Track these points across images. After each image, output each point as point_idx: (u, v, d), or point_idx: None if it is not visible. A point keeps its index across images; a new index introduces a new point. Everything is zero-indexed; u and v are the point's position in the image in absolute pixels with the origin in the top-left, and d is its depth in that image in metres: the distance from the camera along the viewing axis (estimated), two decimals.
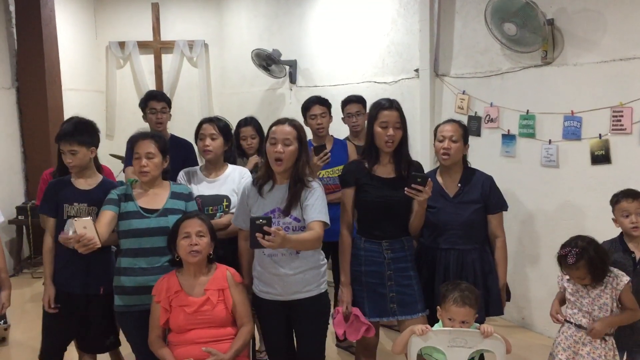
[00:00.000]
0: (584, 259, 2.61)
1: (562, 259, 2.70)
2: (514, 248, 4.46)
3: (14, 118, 6.02)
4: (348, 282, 2.93)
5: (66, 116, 6.07)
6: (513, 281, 4.32)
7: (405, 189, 2.77)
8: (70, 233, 2.66)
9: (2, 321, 4.23)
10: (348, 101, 4.46)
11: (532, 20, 3.97)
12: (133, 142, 2.92)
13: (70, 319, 3.03)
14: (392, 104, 2.93)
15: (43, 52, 5.90)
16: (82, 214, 2.94)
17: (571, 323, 2.77)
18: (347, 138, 4.42)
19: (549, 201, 4.27)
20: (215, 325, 2.70)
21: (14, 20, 5.91)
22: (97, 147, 3.12)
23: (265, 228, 2.38)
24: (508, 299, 3.19)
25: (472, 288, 2.59)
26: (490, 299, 3.03)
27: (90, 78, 7.60)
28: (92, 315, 3.04)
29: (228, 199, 3.17)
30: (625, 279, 2.69)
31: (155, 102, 4.07)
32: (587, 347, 2.70)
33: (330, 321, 2.94)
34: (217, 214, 3.14)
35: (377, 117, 2.90)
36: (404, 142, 2.95)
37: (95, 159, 3.23)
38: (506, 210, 3.15)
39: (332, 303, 3.14)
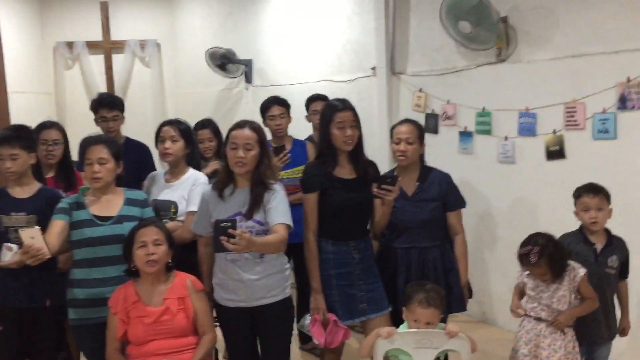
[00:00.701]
0: (545, 256, 2.66)
1: (523, 258, 2.73)
2: (472, 243, 4.45)
3: None
4: (320, 289, 2.89)
5: (13, 120, 5.90)
6: (472, 276, 4.33)
7: (375, 189, 2.78)
8: (8, 258, 2.58)
9: None
10: (314, 99, 4.45)
11: (486, 18, 4.01)
12: (84, 147, 2.81)
13: (15, 336, 2.89)
14: (345, 104, 2.92)
15: None
16: (20, 223, 2.81)
17: (531, 317, 2.81)
18: (310, 136, 4.38)
19: (506, 197, 4.33)
20: (176, 335, 2.62)
21: None
22: (36, 153, 3.02)
23: (230, 231, 2.34)
24: (470, 296, 3.22)
25: (437, 288, 2.59)
26: (452, 296, 3.05)
27: (37, 80, 7.33)
28: (39, 331, 2.91)
29: (176, 205, 3.08)
30: (582, 271, 2.75)
31: (105, 110, 3.87)
32: (547, 340, 2.75)
33: (308, 329, 2.90)
34: (163, 220, 3.04)
35: (332, 118, 2.87)
36: (360, 141, 2.94)
37: (70, 164, 3.24)
38: (464, 207, 3.18)
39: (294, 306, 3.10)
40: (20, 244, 2.50)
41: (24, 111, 6.42)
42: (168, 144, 3.14)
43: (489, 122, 4.33)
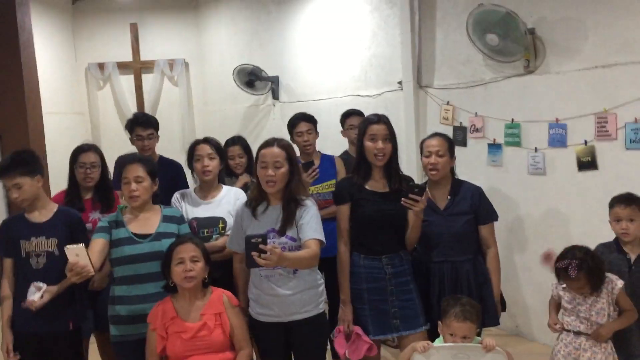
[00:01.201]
0: (584, 269, 2.64)
1: (561, 272, 2.71)
2: (504, 256, 4.44)
3: None
4: (348, 300, 2.91)
5: (48, 140, 6.06)
6: (505, 289, 4.30)
7: (402, 199, 2.78)
8: (36, 296, 2.68)
9: None
10: (349, 114, 4.50)
11: (513, 30, 4.01)
12: (121, 166, 2.88)
13: None
14: (380, 119, 2.96)
15: (22, 77, 5.79)
16: (40, 247, 2.87)
17: (569, 331, 2.78)
18: (346, 151, 4.42)
19: (537, 208, 4.30)
20: (214, 351, 2.66)
21: None
22: (42, 175, 2.99)
23: (261, 246, 2.36)
24: (503, 309, 3.20)
25: (473, 303, 2.59)
26: (485, 310, 3.02)
27: (70, 101, 7.51)
28: (61, 357, 2.95)
29: (224, 220, 3.14)
30: (620, 282, 2.72)
31: (141, 129, 3.96)
32: (587, 353, 2.73)
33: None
34: (213, 236, 3.10)
35: (365, 131, 2.92)
36: (394, 156, 2.96)
37: (108, 184, 3.27)
38: (496, 220, 3.17)
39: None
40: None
41: (58, 131, 6.60)
42: (207, 161, 3.20)
43: (518, 133, 4.32)
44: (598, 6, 3.77)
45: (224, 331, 2.68)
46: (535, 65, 4.16)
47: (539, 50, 4.12)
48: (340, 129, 4.58)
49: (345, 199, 2.94)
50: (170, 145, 7.42)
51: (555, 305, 2.90)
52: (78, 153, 3.41)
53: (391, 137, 2.93)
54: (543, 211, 4.25)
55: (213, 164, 3.21)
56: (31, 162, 2.95)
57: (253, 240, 2.37)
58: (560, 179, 4.09)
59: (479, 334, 2.97)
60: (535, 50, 4.13)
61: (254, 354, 3.08)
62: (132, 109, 7.53)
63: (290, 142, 2.89)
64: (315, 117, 4.24)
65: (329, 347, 3.23)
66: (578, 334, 2.74)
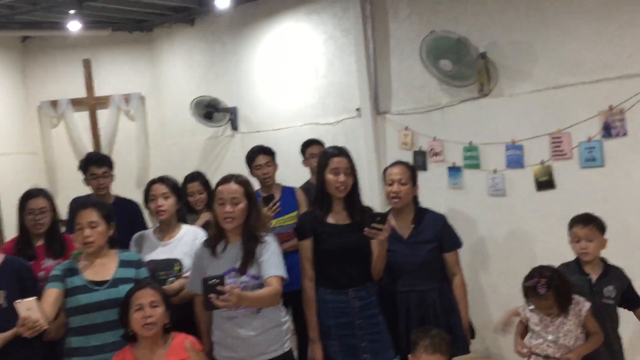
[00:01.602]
0: (553, 287, 2.64)
1: (530, 290, 2.71)
2: (469, 277, 4.42)
3: None
4: (317, 338, 2.86)
5: (0, 182, 5.87)
6: (472, 311, 4.31)
7: (365, 229, 2.75)
8: None
9: None
10: (309, 143, 4.50)
11: (465, 55, 4.08)
12: (74, 211, 2.78)
13: None
14: (341, 151, 2.95)
15: None
16: None
17: (538, 355, 2.77)
18: (308, 181, 4.39)
19: (499, 229, 4.33)
20: None
21: None
22: None
23: (219, 288, 2.30)
24: (472, 336, 3.19)
25: (442, 334, 2.56)
26: (454, 339, 3.00)
27: (23, 140, 7.29)
28: None
29: (180, 262, 3.05)
30: (587, 304, 2.73)
31: (95, 167, 3.86)
32: None
33: None
34: (169, 279, 3.01)
35: (327, 164, 2.90)
36: (355, 188, 2.94)
37: (58, 230, 3.19)
38: (461, 247, 3.18)
39: (295, 353, 3.05)
40: None
41: (11, 173, 6.39)
42: (161, 201, 3.12)
43: (476, 156, 4.36)
44: (546, 30, 3.87)
45: None
46: (489, 89, 4.23)
47: (492, 73, 4.19)
48: (301, 158, 4.55)
49: (307, 233, 2.91)
50: (128, 180, 7.28)
51: (522, 329, 2.90)
52: (26, 199, 3.29)
53: (352, 169, 2.92)
54: (505, 231, 4.28)
55: (168, 203, 3.13)
56: None
57: (210, 282, 2.31)
58: (520, 199, 4.14)
59: None
60: (488, 74, 4.20)
61: None
62: (88, 146, 7.35)
63: (247, 177, 2.83)
64: (276, 147, 4.22)
65: None
66: (547, 357, 2.73)
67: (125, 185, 4.07)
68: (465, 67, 4.14)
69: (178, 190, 3.26)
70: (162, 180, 3.21)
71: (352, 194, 2.93)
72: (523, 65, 4.01)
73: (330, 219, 2.93)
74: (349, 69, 5.31)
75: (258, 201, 3.42)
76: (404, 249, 3.04)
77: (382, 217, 2.76)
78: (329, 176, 2.88)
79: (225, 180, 2.73)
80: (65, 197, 3.50)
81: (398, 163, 3.15)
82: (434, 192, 4.58)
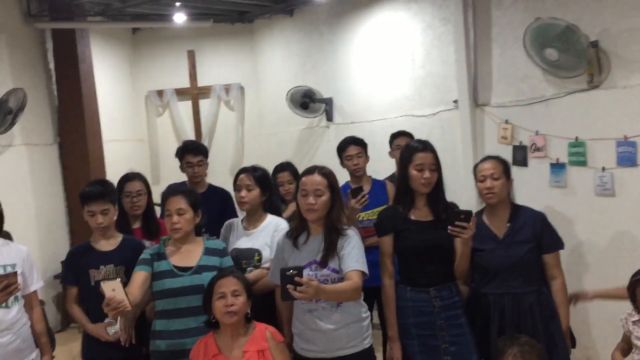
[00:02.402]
0: None
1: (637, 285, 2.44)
2: (571, 284, 4.17)
3: (57, 173, 6.09)
4: (396, 337, 2.77)
5: (108, 168, 6.21)
6: (573, 319, 4.04)
7: (449, 227, 2.63)
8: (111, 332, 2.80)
9: None
10: (398, 135, 4.40)
11: (574, 43, 3.79)
12: (164, 198, 2.85)
13: None
14: (426, 146, 2.83)
15: (83, 107, 5.99)
16: (110, 276, 2.87)
17: None
18: (393, 174, 4.29)
19: (606, 232, 4.01)
20: None
21: (54, 78, 6.03)
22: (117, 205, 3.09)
23: (297, 279, 2.27)
24: (573, 346, 2.95)
25: (532, 342, 2.39)
26: (553, 346, 2.80)
27: (130, 128, 7.70)
28: None
29: (259, 253, 3.06)
30: None
31: (191, 156, 3.96)
32: None
33: None
34: (248, 269, 3.02)
35: (411, 159, 2.79)
36: (439, 184, 2.82)
37: (153, 213, 3.36)
38: (562, 248, 2.95)
39: (381, 349, 2.96)
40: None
41: (119, 159, 6.76)
42: (244, 192, 3.14)
43: (583, 152, 4.05)
44: None
45: None
46: (599, 80, 3.90)
47: (604, 63, 3.87)
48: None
49: (387, 230, 2.82)
50: (226, 169, 7.48)
51: (624, 345, 2.63)
52: (123, 182, 3.45)
53: (437, 165, 2.79)
54: (611, 235, 3.95)
55: (250, 196, 3.14)
56: (114, 191, 3.11)
57: (288, 273, 2.29)
58: (631, 200, 3.80)
59: None
60: (599, 64, 3.87)
61: None
62: (190, 134, 7.64)
63: (332, 170, 2.77)
64: (370, 139, 4.14)
65: None
66: None
67: (220, 173, 4.13)
68: (574, 57, 3.85)
69: (265, 181, 3.25)
70: (249, 171, 3.22)
71: (436, 190, 2.81)
72: (639, 55, 3.66)
73: (412, 216, 2.82)
74: (447, 59, 5.12)
75: (346, 193, 3.38)
76: (499, 249, 2.86)
77: (467, 215, 2.63)
78: (413, 172, 2.77)
79: (309, 171, 2.70)
80: (168, 182, 3.62)
81: (489, 158, 2.98)
82: (534, 190, 4.33)
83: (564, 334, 2.83)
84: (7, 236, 3.37)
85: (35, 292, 2.98)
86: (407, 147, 2.91)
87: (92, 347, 2.94)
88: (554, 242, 2.91)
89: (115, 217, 3.04)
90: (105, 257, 2.96)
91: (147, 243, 3.30)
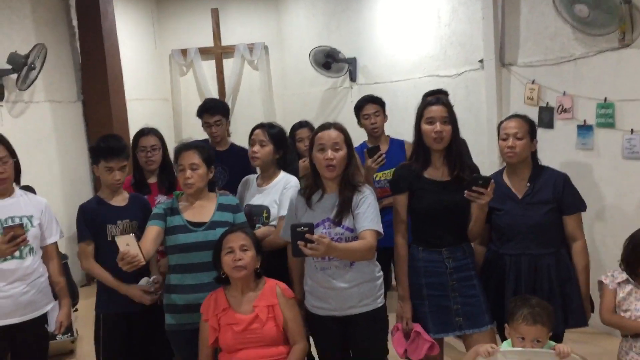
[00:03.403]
0: None
1: None
2: (595, 249, 4.10)
3: (81, 130, 6.16)
4: (407, 296, 2.73)
5: (132, 126, 6.23)
6: (594, 285, 3.97)
7: (465, 191, 2.55)
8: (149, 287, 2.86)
9: (69, 334, 4.25)
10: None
11: None
12: (176, 153, 2.83)
13: (131, 341, 2.97)
14: (438, 100, 2.74)
15: (105, 64, 5.98)
16: (127, 230, 2.88)
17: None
18: None
19: (633, 196, 3.89)
20: (266, 344, 2.56)
21: (77, 35, 6.03)
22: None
23: (308, 235, 2.24)
24: (592, 310, 2.88)
25: (544, 304, 2.33)
26: (569, 309, 2.74)
27: (154, 87, 7.71)
28: (154, 332, 2.96)
29: (268, 210, 3.03)
30: None
31: (208, 115, 3.88)
32: None
33: (390, 338, 2.75)
34: (257, 225, 3.00)
35: (423, 114, 2.72)
36: (455, 140, 2.72)
37: (170, 167, 3.37)
38: (584, 210, 2.86)
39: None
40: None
41: (142, 117, 6.76)
42: (256, 147, 3.10)
43: (612, 114, 3.91)
44: None
45: (277, 324, 2.57)
46: (631, 38, 3.73)
47: (636, 20, 3.69)
48: None
49: (402, 188, 2.75)
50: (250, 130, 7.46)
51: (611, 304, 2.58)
52: (138, 137, 3.44)
53: (451, 119, 2.69)
54: (638, 200, 3.83)
55: (263, 151, 3.09)
56: (128, 146, 3.11)
57: (299, 229, 2.26)
58: None
59: (561, 335, 2.71)
60: (632, 21, 3.70)
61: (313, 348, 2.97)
62: (213, 94, 7.62)
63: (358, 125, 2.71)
64: (393, 99, 4.08)
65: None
66: None
67: (245, 133, 4.03)
68: (605, 13, 3.68)
69: (280, 139, 3.20)
70: (264, 126, 3.18)
71: (452, 148, 2.72)
72: None
73: (428, 175, 2.74)
74: (473, 17, 4.96)
75: (362, 153, 3.32)
76: (517, 209, 2.79)
77: (485, 181, 2.54)
78: (425, 126, 2.69)
79: (324, 127, 2.64)
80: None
81: (514, 116, 2.88)
82: (560, 152, 4.22)
83: (581, 297, 2.77)
84: (30, 190, 3.42)
85: (54, 244, 2.99)
86: (421, 103, 2.83)
87: (109, 300, 2.95)
88: (576, 203, 2.82)
89: (128, 174, 3.06)
90: (121, 212, 2.97)
91: (162, 198, 3.30)
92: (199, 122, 4.07)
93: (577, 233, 2.82)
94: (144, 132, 3.44)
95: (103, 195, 3.03)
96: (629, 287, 2.54)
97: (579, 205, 2.84)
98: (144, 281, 2.88)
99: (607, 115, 3.95)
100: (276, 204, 3.00)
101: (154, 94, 7.66)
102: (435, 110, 2.68)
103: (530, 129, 2.83)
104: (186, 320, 2.75)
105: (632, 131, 3.79)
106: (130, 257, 2.43)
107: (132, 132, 5.87)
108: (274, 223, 2.99)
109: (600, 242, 4.11)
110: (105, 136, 3.09)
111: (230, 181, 3.68)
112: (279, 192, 3.03)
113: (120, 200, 3.02)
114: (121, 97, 6.29)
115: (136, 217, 2.97)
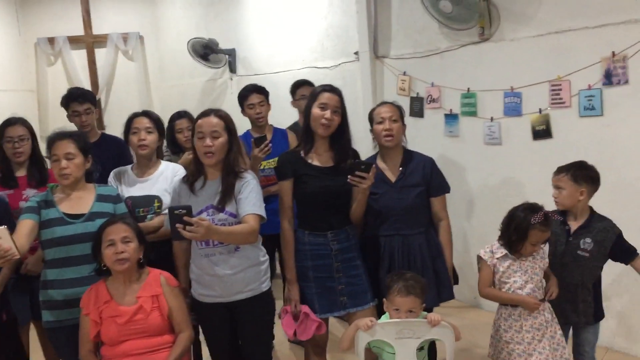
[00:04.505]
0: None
1: (541, 223, 2.62)
2: (463, 228, 4.43)
3: None
4: (294, 279, 2.81)
5: None
6: (464, 261, 4.30)
7: (349, 177, 2.67)
8: None
9: None
10: (300, 84, 4.38)
11: None
12: (50, 143, 2.70)
13: None
14: (332, 89, 2.83)
15: None
16: None
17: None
18: (296, 122, 4.30)
19: (494, 179, 4.25)
20: (151, 334, 2.53)
21: None
22: None
23: (186, 218, 2.25)
24: (456, 282, 3.13)
25: (417, 277, 2.50)
26: (440, 283, 2.95)
27: (19, 77, 7.21)
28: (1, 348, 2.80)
29: (159, 199, 2.99)
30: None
31: (77, 104, 3.73)
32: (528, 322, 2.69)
33: (278, 321, 2.82)
34: (148, 216, 2.96)
35: (317, 98, 2.78)
36: (342, 129, 2.83)
37: (40, 158, 3.17)
38: (448, 192, 3.08)
39: (282, 297, 3.01)
40: None
41: (5, 109, 6.30)
42: (143, 134, 3.04)
43: (474, 103, 4.24)
44: None
45: (161, 314, 2.56)
46: (490, 33, 4.07)
47: (494, 16, 4.03)
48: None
49: (287, 174, 2.81)
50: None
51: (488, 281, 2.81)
52: (4, 127, 3.23)
53: (342, 109, 2.80)
54: (499, 181, 4.20)
55: (150, 138, 3.05)
56: None
57: (176, 212, 2.25)
58: (516, 148, 4.04)
59: (431, 310, 2.91)
60: (490, 17, 4.04)
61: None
62: (85, 85, 7.25)
63: (228, 112, 2.73)
64: (273, 90, 4.12)
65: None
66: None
67: (119, 125, 3.91)
68: (466, 9, 3.98)
69: (161, 126, 3.18)
70: (147, 114, 3.12)
71: (339, 136, 2.82)
72: (526, 8, 3.84)
73: (313, 161, 2.83)
74: (348, 10, 5.15)
75: (248, 142, 3.35)
76: (391, 193, 2.95)
77: (367, 166, 2.67)
78: (316, 110, 2.75)
79: (205, 114, 2.64)
80: None
81: (385, 103, 3.04)
82: (430, 140, 4.50)
83: (448, 271, 2.99)
84: None
85: None
86: (314, 89, 2.89)
87: None
88: (442, 186, 3.04)
89: None
90: None
91: (33, 192, 3.13)
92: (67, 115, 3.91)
93: (443, 213, 3.03)
94: (10, 122, 3.23)
95: None
96: (507, 262, 2.74)
97: (444, 187, 3.05)
98: None
99: (470, 104, 4.27)
100: (168, 193, 2.95)
101: (18, 85, 7.17)
102: (330, 97, 2.76)
103: (401, 114, 3.00)
104: (65, 317, 2.65)
105: (491, 119, 4.13)
106: (2, 252, 2.30)
107: None
108: (166, 211, 2.94)
109: (465, 221, 4.44)
110: None
111: (103, 173, 3.57)
112: (168, 181, 2.99)
113: None
114: None
115: None
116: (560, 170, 2.82)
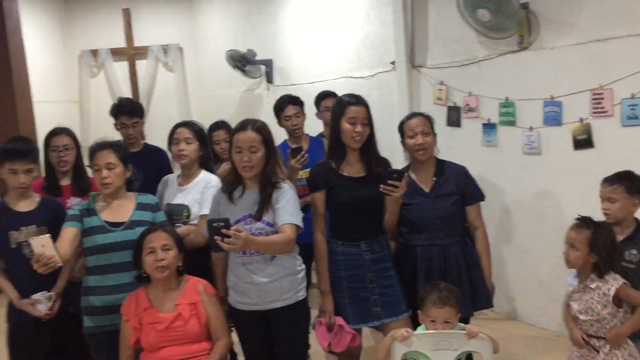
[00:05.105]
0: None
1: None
2: (499, 239, 4.36)
3: None
4: (328, 291, 2.82)
5: (39, 129, 5.98)
6: (501, 272, 4.24)
7: (381, 186, 2.67)
8: (48, 307, 2.77)
9: None
10: (324, 95, 4.38)
11: (505, 4, 3.87)
12: (92, 153, 2.78)
13: (40, 348, 2.87)
14: (358, 100, 2.83)
15: (10, 65, 5.71)
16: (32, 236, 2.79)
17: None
18: (321, 133, 4.32)
19: (532, 189, 4.18)
20: (189, 341, 2.57)
21: None
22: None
23: (224, 230, 2.28)
24: (493, 292, 3.08)
25: (451, 287, 2.48)
26: (476, 293, 2.92)
27: (63, 89, 7.43)
28: (65, 340, 2.90)
29: (188, 209, 3.04)
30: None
31: (126, 117, 3.80)
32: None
33: (312, 332, 2.83)
34: (176, 225, 3.00)
35: (344, 113, 2.79)
36: (371, 139, 2.84)
37: (82, 168, 3.28)
38: (483, 200, 3.05)
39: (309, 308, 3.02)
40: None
41: (50, 120, 6.46)
42: (183, 145, 3.11)
43: (512, 112, 4.19)
44: None
45: (199, 321, 2.60)
46: (529, 41, 4.02)
47: (533, 25, 3.97)
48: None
49: (319, 186, 2.83)
50: (167, 132, 7.33)
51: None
52: (50, 137, 3.33)
53: (369, 120, 2.81)
54: (538, 192, 4.12)
55: (190, 149, 3.11)
56: (36, 150, 2.98)
57: (215, 224, 2.29)
58: (556, 158, 3.96)
59: (468, 318, 2.87)
60: (529, 26, 3.98)
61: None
62: (126, 95, 7.42)
63: (265, 123, 2.75)
64: (310, 100, 4.12)
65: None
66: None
67: (163, 136, 3.97)
68: (505, 18, 3.93)
69: (203, 136, 3.23)
70: (187, 124, 3.19)
71: (368, 146, 2.83)
72: (566, 16, 3.78)
73: (344, 172, 2.84)
74: (385, 20, 5.14)
75: (285, 152, 3.38)
76: (426, 203, 2.93)
77: (399, 174, 2.67)
78: (345, 125, 2.77)
79: (242, 127, 2.65)
80: None
81: (415, 114, 3.02)
82: (467, 149, 4.46)
83: (485, 280, 2.95)
84: None
85: None
86: (339, 100, 2.90)
87: (18, 309, 2.85)
88: (476, 195, 3.01)
89: (37, 177, 2.94)
90: (25, 218, 2.87)
91: (76, 200, 3.21)
92: (110, 125, 3.99)
93: (478, 222, 3.00)
94: (56, 132, 3.33)
95: (8, 200, 2.91)
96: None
97: (478, 195, 3.02)
98: (38, 294, 2.79)
99: (508, 113, 4.22)
100: (197, 203, 3.00)
101: (62, 96, 7.38)
102: (357, 110, 2.77)
103: (431, 125, 2.99)
104: (106, 322, 2.71)
105: (530, 128, 4.07)
106: (45, 259, 2.37)
107: (41, 135, 5.71)
108: (194, 222, 3.00)
109: (502, 231, 4.38)
110: (14, 138, 2.99)
111: (145, 182, 3.64)
112: (199, 192, 3.04)
113: (27, 204, 2.91)
114: (27, 99, 6.02)
115: (45, 221, 2.87)
116: (610, 181, 2.74)
